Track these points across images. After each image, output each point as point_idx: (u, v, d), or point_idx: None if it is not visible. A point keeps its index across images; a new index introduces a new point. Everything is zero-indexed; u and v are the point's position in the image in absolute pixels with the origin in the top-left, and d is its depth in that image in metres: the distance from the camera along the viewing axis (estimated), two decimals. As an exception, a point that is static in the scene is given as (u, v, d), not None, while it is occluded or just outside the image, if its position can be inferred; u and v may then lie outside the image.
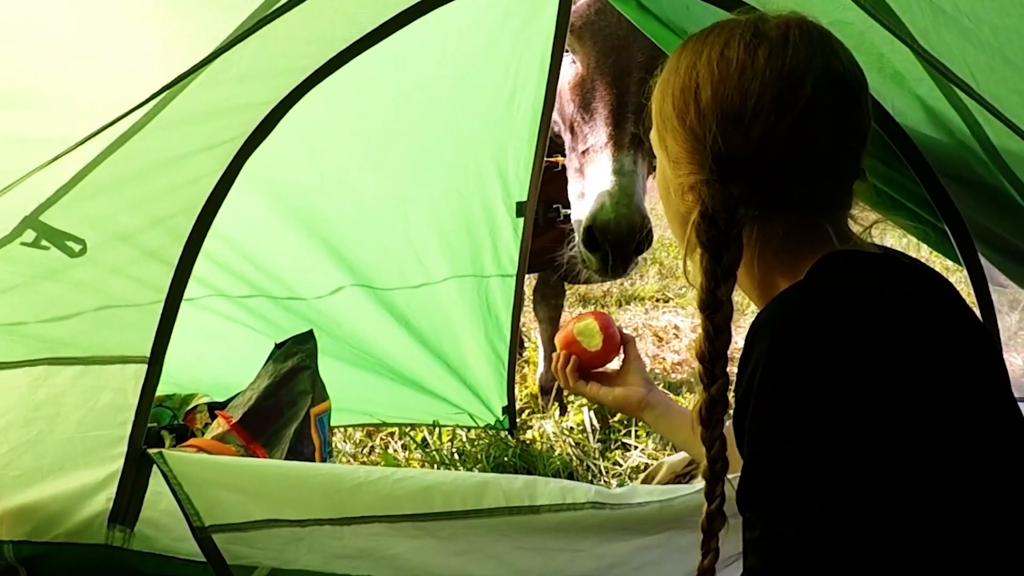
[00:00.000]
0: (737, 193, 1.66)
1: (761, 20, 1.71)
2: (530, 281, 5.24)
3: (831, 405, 1.43)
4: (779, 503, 1.45)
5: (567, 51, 3.50)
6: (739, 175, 1.66)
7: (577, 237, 3.29)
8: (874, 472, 1.39)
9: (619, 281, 9.26)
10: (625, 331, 2.71)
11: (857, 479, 1.39)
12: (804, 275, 1.66)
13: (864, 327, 1.49)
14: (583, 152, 3.35)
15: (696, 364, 1.77)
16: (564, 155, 4.09)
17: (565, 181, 4.07)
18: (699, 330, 1.75)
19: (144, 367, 2.46)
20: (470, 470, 4.30)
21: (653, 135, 1.87)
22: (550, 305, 5.37)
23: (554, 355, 2.70)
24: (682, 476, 3.06)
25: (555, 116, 3.75)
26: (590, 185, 3.22)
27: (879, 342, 1.48)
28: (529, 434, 4.79)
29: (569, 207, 4.41)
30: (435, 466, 4.36)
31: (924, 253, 10.13)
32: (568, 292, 8.30)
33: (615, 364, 2.71)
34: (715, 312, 1.72)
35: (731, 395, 1.71)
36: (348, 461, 4.50)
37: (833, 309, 1.52)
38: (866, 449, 1.40)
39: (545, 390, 5.25)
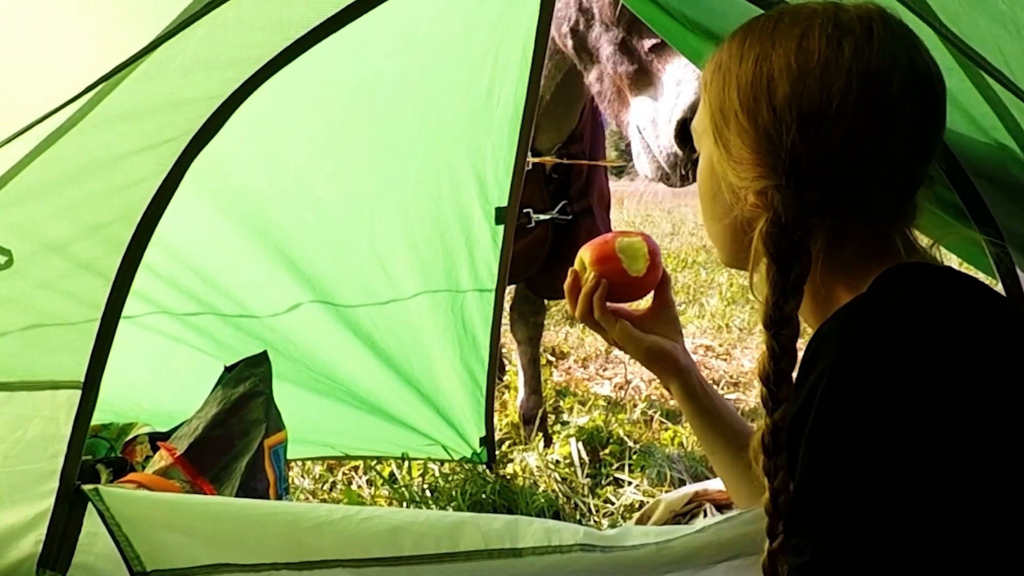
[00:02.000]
0: (813, 200, 1.67)
1: (840, 9, 1.70)
2: (507, 297, 5.23)
3: (896, 423, 1.44)
4: (834, 528, 1.46)
5: None
6: (817, 181, 1.67)
7: (664, 134, 3.24)
8: (940, 496, 1.41)
9: (611, 296, 9.26)
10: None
11: (922, 503, 1.40)
12: (867, 287, 1.68)
13: (934, 341, 1.51)
14: (656, 46, 3.30)
15: (759, 386, 1.73)
16: (533, 152, 4.09)
17: (536, 182, 4.07)
18: (762, 348, 1.71)
19: (78, 393, 2.45)
20: (443, 508, 4.30)
21: (705, 125, 1.86)
22: (529, 324, 5.37)
23: (583, 272, 2.42)
24: (682, 515, 3.06)
25: (566, 32, 3.74)
26: (677, 78, 3.18)
27: (949, 357, 1.49)
28: (510, 468, 4.79)
29: (542, 211, 4.41)
30: (404, 504, 4.35)
31: (954, 265, 10.19)
32: (553, 309, 8.32)
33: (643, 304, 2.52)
34: (782, 329, 1.69)
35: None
36: (307, 498, 4.49)
37: (901, 321, 1.54)
38: (932, 471, 1.42)
39: (527, 419, 5.25)
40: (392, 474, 4.64)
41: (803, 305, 1.79)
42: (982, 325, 1.55)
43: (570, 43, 3.86)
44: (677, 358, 2.37)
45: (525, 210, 4.54)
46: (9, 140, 2.03)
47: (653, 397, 6.18)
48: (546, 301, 5.58)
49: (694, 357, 7.10)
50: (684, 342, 2.43)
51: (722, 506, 2.87)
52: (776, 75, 1.67)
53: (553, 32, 3.85)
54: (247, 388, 3.35)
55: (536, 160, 4.50)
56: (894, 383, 1.46)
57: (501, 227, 4.10)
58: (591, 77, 3.80)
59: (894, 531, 1.39)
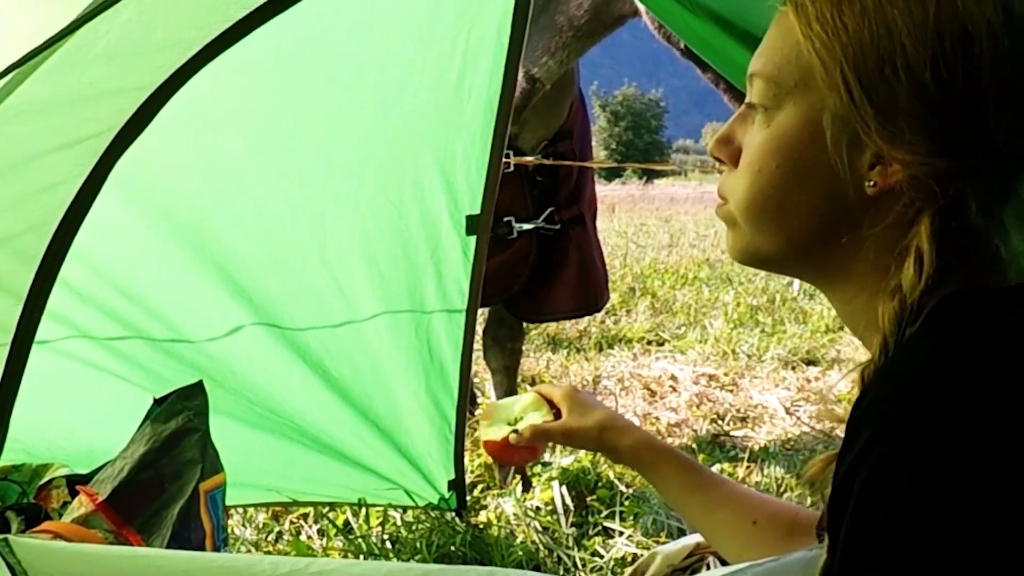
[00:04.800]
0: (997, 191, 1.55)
1: None
2: (480, 319, 5.22)
3: (959, 526, 1.30)
4: None
5: None
6: (1013, 170, 1.54)
7: None
8: None
9: (599, 319, 9.28)
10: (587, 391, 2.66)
11: None
12: (921, 320, 1.54)
13: (1009, 405, 1.34)
14: None
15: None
16: (515, 152, 4.09)
17: (518, 186, 4.06)
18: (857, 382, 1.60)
19: (-17, 430, 2.44)
20: (408, 561, 4.29)
21: (803, 69, 1.64)
22: (506, 350, 5.36)
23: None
24: (681, 571, 3.06)
25: None
26: None
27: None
28: (483, 516, 4.79)
29: (525, 219, 4.41)
30: (361, 557, 4.34)
31: None
32: (532, 333, 8.33)
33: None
34: None
35: None
36: (249, 550, 4.48)
37: (966, 383, 1.37)
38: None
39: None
40: (347, 523, 4.64)
41: (854, 309, 1.73)
42: None
43: None
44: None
45: (506, 219, 4.54)
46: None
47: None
48: (525, 324, 5.57)
49: (695, 388, 7.13)
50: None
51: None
52: (975, 26, 1.49)
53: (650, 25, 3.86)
54: (180, 424, 3.34)
55: (517, 161, 4.49)
56: (950, 474, 1.31)
57: (473, 238, 4.10)
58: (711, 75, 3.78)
59: None
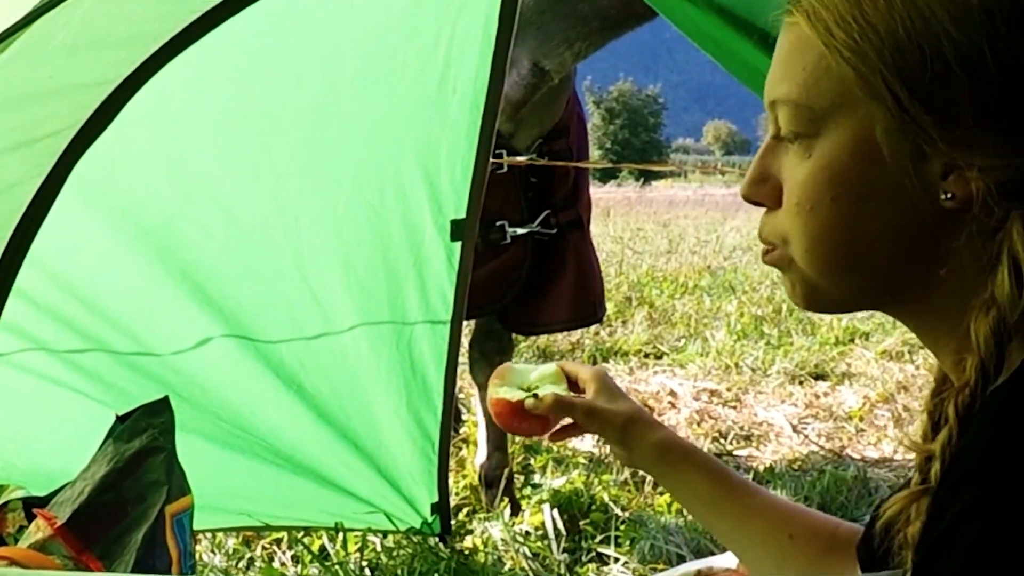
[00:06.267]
0: None
1: None
2: (466, 331, 5.20)
3: None
4: None
5: None
6: None
7: None
8: None
9: (593, 331, 9.27)
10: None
11: None
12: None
13: None
14: None
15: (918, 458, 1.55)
16: (509, 151, 4.07)
17: (511, 187, 4.04)
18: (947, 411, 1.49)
19: (-66, 449, 2.44)
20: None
21: (838, 83, 1.55)
22: (493, 364, 5.33)
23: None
24: (681, 599, 3.05)
25: None
26: None
27: None
28: (468, 541, 4.78)
29: (519, 223, 4.39)
30: (339, 585, 4.34)
31: None
32: (522, 345, 8.32)
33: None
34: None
35: None
36: (218, 579, 4.47)
37: None
38: None
39: (490, 481, 5.23)
40: (323, 548, 4.62)
41: (939, 336, 1.64)
42: None
43: None
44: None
45: (499, 223, 4.51)
46: None
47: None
48: (515, 336, 5.55)
49: (695, 404, 7.12)
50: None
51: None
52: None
53: None
54: (144, 443, 3.33)
55: (509, 161, 4.47)
56: None
57: (458, 244, 4.09)
58: None
59: None
